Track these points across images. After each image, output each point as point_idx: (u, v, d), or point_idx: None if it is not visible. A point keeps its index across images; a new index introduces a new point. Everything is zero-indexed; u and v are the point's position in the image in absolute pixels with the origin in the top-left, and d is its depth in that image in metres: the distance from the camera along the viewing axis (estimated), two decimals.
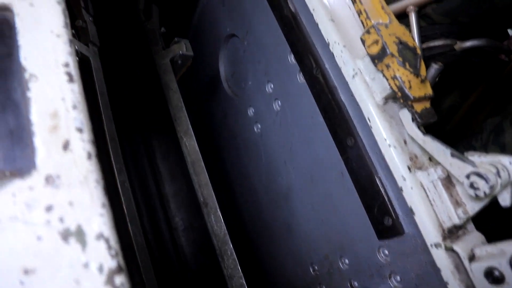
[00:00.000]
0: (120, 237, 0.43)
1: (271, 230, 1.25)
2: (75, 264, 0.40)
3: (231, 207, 1.41)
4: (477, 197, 0.63)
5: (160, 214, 1.31)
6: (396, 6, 1.18)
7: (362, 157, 0.81)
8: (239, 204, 1.39)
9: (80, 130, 0.47)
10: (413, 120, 0.71)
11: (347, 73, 0.77)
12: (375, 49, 0.70)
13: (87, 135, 0.47)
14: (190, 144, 1.09)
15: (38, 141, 0.46)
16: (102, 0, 1.29)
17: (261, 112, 1.21)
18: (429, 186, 0.69)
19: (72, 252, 0.41)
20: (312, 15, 0.83)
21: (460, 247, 0.65)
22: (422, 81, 0.71)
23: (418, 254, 0.72)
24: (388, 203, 0.77)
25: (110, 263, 0.41)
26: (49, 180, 0.44)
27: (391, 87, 0.71)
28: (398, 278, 0.79)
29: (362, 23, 0.74)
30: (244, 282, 1.08)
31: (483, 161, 0.65)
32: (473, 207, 0.68)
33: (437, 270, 0.67)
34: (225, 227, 1.08)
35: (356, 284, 0.91)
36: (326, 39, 0.80)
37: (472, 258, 0.65)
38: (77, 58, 0.78)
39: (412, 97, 0.69)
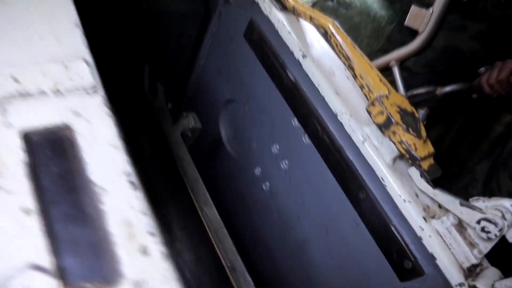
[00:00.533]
0: None
1: (290, 281, 1.30)
2: None
3: (247, 265, 1.44)
4: (488, 239, 0.73)
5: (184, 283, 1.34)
6: (381, 61, 1.33)
7: (376, 209, 0.90)
8: (255, 262, 1.41)
9: (152, 234, 0.54)
10: (421, 176, 0.82)
11: (357, 139, 0.88)
12: (381, 119, 0.82)
13: (158, 237, 0.54)
14: (211, 213, 1.16)
15: (120, 250, 0.52)
16: (109, 84, 1.38)
17: (269, 171, 1.26)
18: (445, 232, 0.79)
19: None
20: (317, 89, 0.94)
21: (482, 284, 0.74)
22: (424, 141, 0.83)
23: None
24: (406, 248, 0.85)
25: None
26: (137, 286, 0.50)
27: (399, 150, 0.82)
28: None
29: (366, 96, 0.86)
30: None
31: (487, 205, 0.75)
32: (486, 247, 0.77)
33: None
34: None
35: None
36: (334, 111, 0.91)
37: None
38: None
39: (419, 158, 0.80)
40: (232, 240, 1.38)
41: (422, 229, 0.80)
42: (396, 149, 0.82)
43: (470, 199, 0.78)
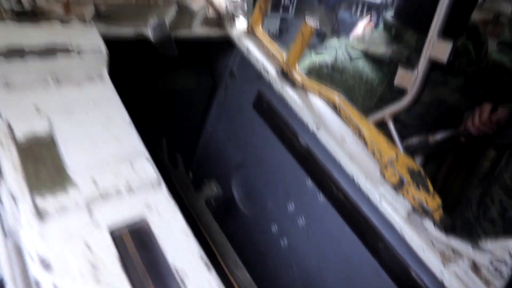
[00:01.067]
0: None
1: None
2: None
3: None
4: (501, 277, 0.85)
5: None
6: (376, 116, 1.47)
7: (395, 257, 1.00)
8: None
9: None
10: (435, 226, 0.94)
11: (374, 198, 1.00)
12: (394, 180, 0.95)
13: None
14: (243, 275, 1.25)
15: None
16: None
17: (286, 228, 1.34)
18: (462, 274, 0.90)
19: None
20: (332, 155, 1.07)
21: None
22: (433, 195, 0.95)
23: None
24: None
25: None
26: None
27: (412, 206, 0.94)
28: None
29: (378, 160, 0.99)
30: None
31: (496, 247, 0.87)
32: (500, 283, 0.88)
33: None
34: None
35: None
36: (350, 174, 1.03)
37: None
38: None
39: (431, 211, 0.92)
40: None
41: (443, 273, 0.90)
42: (410, 205, 0.95)
43: (479, 241, 0.90)
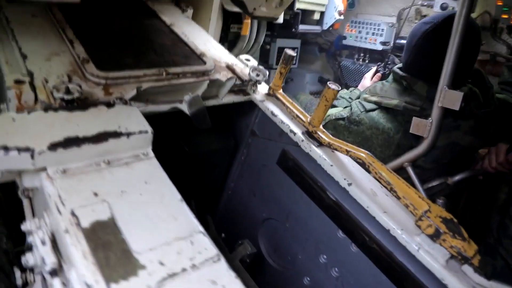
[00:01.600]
0: None
1: None
2: None
3: None
4: None
5: None
6: (395, 163, 1.55)
7: None
8: None
9: None
10: (475, 272, 0.98)
11: (412, 248, 1.04)
12: (430, 231, 1.00)
13: None
14: None
15: None
16: None
17: (319, 280, 1.35)
18: None
19: None
20: (366, 210, 1.12)
21: None
22: (469, 242, 1.00)
23: None
24: None
25: None
26: None
27: (451, 254, 0.98)
28: None
29: (412, 212, 1.04)
30: None
31: None
32: None
33: None
34: None
35: None
36: (385, 227, 1.08)
37: None
38: None
39: (469, 257, 0.97)
40: None
41: None
42: (448, 252, 0.99)
43: None
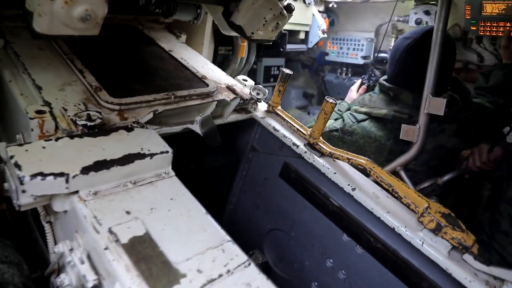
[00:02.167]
0: None
1: None
2: None
3: None
4: None
5: None
6: (388, 168, 1.66)
7: None
8: None
9: None
10: (475, 259, 1.08)
11: (416, 243, 1.13)
12: (432, 225, 1.10)
13: None
14: None
15: None
16: None
17: (327, 284, 1.42)
18: None
19: None
20: (371, 212, 1.22)
21: None
22: (467, 233, 1.10)
23: None
24: None
25: None
26: None
27: (452, 245, 1.08)
28: None
29: (413, 210, 1.14)
30: None
31: None
32: None
33: None
34: None
35: None
36: (390, 226, 1.17)
37: None
38: None
39: (469, 246, 1.07)
40: None
41: None
42: (449, 244, 1.09)
43: None
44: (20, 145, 0.95)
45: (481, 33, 2.31)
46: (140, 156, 1.03)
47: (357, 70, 3.40)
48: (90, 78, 1.29)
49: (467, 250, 1.07)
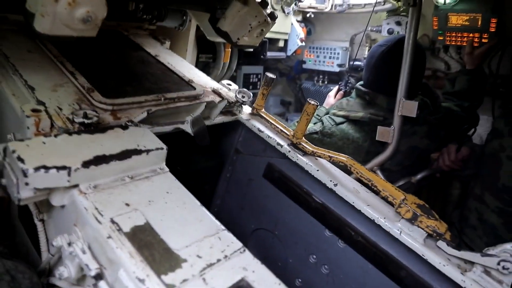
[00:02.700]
0: None
1: None
2: None
3: None
4: (509, 273, 1.08)
5: None
6: (366, 167, 1.75)
7: (418, 281, 1.21)
8: None
9: None
10: (448, 245, 1.17)
11: (395, 233, 1.22)
12: (409, 215, 1.19)
13: None
14: None
15: None
16: None
17: (310, 280, 1.48)
18: (479, 279, 1.12)
19: None
20: (352, 205, 1.30)
21: None
22: (440, 221, 1.20)
23: None
24: None
25: None
26: None
27: (427, 233, 1.18)
28: None
29: (391, 202, 1.23)
30: None
31: (497, 251, 1.11)
32: (509, 280, 1.11)
33: None
34: None
35: None
36: (371, 217, 1.26)
37: None
38: None
39: (442, 233, 1.16)
40: None
41: (464, 281, 1.12)
42: (424, 232, 1.18)
43: (484, 250, 1.13)
44: (21, 140, 0.98)
45: (448, 43, 2.47)
46: (137, 152, 1.08)
47: (333, 77, 3.53)
48: (82, 80, 1.33)
49: (440, 237, 1.17)
